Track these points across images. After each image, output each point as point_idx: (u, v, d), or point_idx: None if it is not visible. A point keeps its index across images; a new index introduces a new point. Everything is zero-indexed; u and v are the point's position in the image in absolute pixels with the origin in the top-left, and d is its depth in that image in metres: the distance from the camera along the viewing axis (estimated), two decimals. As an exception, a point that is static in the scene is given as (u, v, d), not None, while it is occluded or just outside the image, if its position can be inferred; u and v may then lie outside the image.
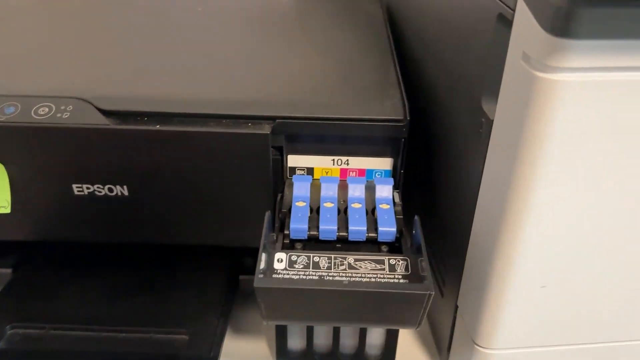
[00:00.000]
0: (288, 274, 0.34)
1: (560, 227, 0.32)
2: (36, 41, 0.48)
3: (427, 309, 0.32)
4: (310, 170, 0.42)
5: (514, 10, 0.29)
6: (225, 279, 0.46)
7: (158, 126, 0.38)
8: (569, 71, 0.27)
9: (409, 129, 0.39)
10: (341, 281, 0.33)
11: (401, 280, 0.34)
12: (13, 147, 0.39)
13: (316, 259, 0.35)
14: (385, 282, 0.33)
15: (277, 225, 0.39)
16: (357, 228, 0.37)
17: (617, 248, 0.33)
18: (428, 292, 0.31)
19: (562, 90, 0.28)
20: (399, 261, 0.35)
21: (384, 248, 0.38)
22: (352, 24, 0.54)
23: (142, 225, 0.43)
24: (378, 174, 0.42)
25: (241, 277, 0.48)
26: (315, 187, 0.41)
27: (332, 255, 0.35)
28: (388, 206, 0.39)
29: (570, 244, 0.33)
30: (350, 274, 0.34)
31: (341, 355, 0.43)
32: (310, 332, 0.42)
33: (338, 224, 0.37)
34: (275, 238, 0.37)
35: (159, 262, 0.47)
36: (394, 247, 0.38)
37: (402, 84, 0.43)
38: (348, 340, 0.43)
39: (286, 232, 0.38)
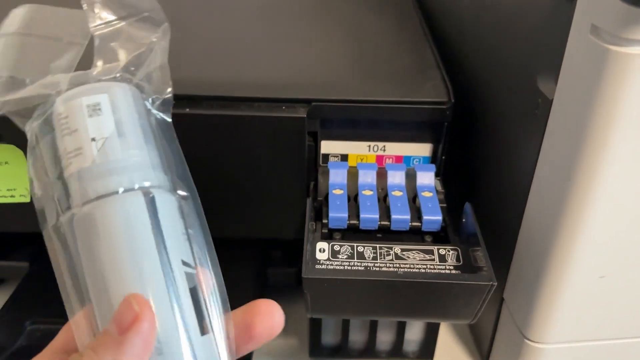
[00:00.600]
0: (332, 264, 0.32)
1: (625, 215, 0.30)
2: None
3: (487, 301, 0.30)
4: (344, 157, 0.40)
5: (581, -21, 0.27)
6: (254, 273, 0.44)
7: (187, 109, 0.36)
8: (647, 44, 0.25)
9: (453, 113, 0.37)
10: (395, 272, 0.30)
11: (453, 271, 0.32)
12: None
13: (360, 249, 0.33)
14: (443, 273, 0.31)
15: (312, 214, 0.37)
16: (401, 217, 0.35)
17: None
18: (491, 282, 0.29)
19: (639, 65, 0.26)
20: (449, 251, 0.33)
21: (428, 238, 0.36)
22: (381, 6, 0.51)
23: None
24: (416, 161, 0.40)
25: (269, 270, 0.46)
26: (352, 174, 0.38)
27: (377, 245, 0.33)
28: (431, 194, 0.37)
29: (633, 231, 0.31)
30: (398, 265, 0.32)
31: (377, 351, 0.41)
32: (346, 326, 0.40)
33: (379, 212, 0.35)
34: (314, 227, 0.35)
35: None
36: (439, 237, 0.36)
37: (441, 65, 0.41)
38: (385, 336, 0.41)
39: (324, 221, 0.36)
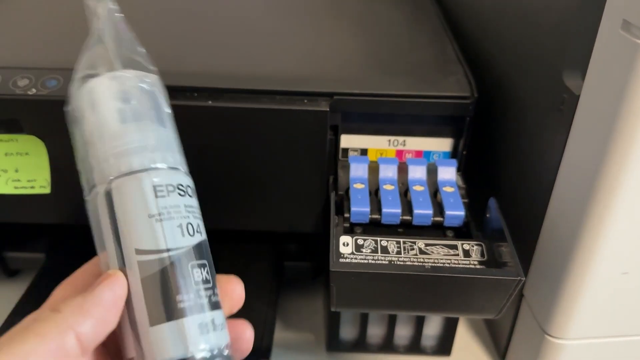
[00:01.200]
0: (356, 258, 0.32)
1: (652, 210, 0.30)
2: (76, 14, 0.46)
3: (513, 296, 0.30)
4: (364, 152, 0.40)
5: (614, -27, 0.27)
6: (272, 266, 0.44)
7: (210, 102, 0.36)
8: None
9: (475, 108, 0.37)
10: (422, 266, 0.30)
11: (477, 266, 0.32)
12: (55, 122, 0.36)
13: (384, 243, 0.33)
14: (470, 268, 0.31)
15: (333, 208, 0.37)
16: (423, 212, 0.35)
17: None
18: (519, 278, 0.29)
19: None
20: (473, 246, 0.33)
21: (450, 233, 0.36)
22: (400, 1, 0.51)
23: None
24: (436, 156, 0.40)
25: (286, 263, 0.46)
26: (372, 168, 0.38)
27: (401, 240, 0.33)
28: (453, 189, 0.37)
29: (659, 228, 0.31)
30: (422, 259, 0.32)
31: (395, 346, 0.41)
32: (364, 321, 0.40)
33: (401, 207, 0.35)
34: (336, 222, 0.35)
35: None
36: (461, 232, 0.36)
37: (463, 60, 0.40)
38: (403, 330, 0.41)
39: (346, 215, 0.36)
